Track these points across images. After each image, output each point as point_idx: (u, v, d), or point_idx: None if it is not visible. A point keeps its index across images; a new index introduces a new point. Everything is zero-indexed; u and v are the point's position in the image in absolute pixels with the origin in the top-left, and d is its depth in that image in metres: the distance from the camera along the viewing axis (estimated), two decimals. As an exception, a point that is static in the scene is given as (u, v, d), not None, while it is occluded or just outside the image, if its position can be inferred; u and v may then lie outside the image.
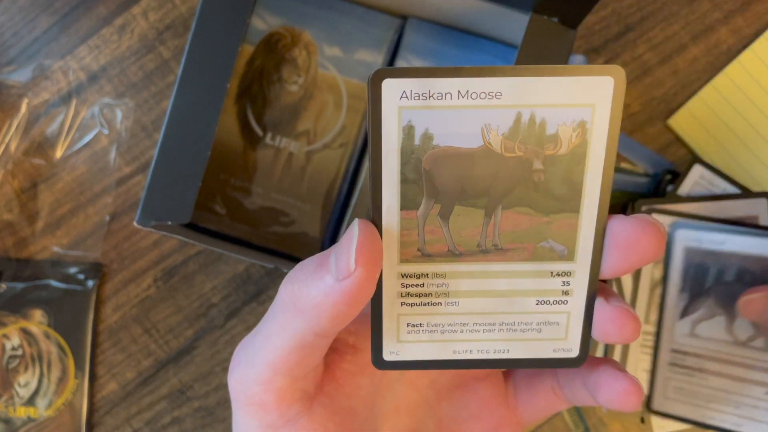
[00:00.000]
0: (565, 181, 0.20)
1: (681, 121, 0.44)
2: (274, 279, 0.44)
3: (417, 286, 0.21)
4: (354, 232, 0.19)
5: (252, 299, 0.44)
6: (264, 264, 0.38)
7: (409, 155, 0.20)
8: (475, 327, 0.22)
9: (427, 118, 0.20)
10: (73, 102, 0.44)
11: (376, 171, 0.20)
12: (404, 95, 0.19)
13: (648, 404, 0.42)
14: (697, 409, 0.40)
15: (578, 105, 0.20)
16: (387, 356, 0.22)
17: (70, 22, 0.44)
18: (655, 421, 0.42)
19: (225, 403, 0.44)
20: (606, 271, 0.21)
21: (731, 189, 0.42)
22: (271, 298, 0.44)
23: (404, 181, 0.20)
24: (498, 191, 0.20)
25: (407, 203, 0.20)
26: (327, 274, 0.19)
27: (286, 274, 0.43)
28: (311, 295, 0.19)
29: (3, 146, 0.43)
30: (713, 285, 0.40)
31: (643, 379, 0.41)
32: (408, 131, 0.20)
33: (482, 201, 0.21)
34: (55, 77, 0.44)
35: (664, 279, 0.41)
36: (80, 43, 0.44)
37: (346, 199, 0.41)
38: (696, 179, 0.42)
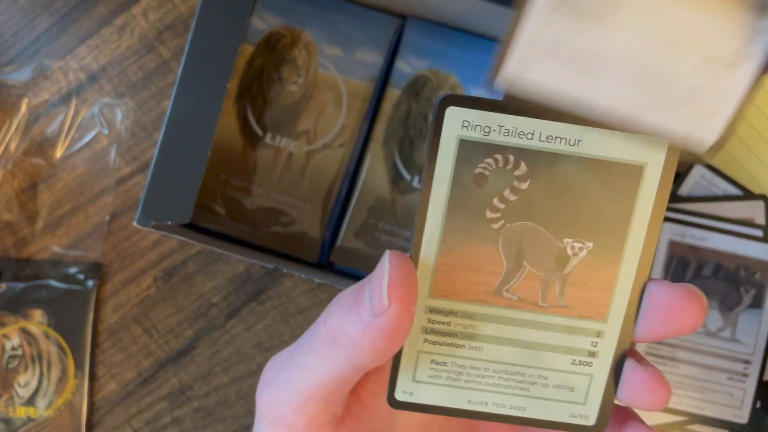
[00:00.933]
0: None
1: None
2: (275, 279, 0.44)
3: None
4: (385, 266, 0.19)
5: (252, 299, 0.44)
6: (264, 264, 0.38)
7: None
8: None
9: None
10: (73, 102, 0.44)
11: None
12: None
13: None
14: None
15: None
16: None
17: (70, 22, 0.44)
18: None
19: (225, 403, 0.44)
20: (640, 335, 0.20)
21: (732, 189, 0.42)
22: (271, 298, 0.44)
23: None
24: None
25: None
26: (363, 310, 0.19)
27: (286, 274, 0.43)
28: (349, 333, 0.19)
29: (3, 146, 0.43)
30: (691, 279, 0.42)
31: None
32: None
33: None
34: (55, 77, 0.44)
35: None
36: (80, 43, 0.44)
37: (346, 199, 0.41)
38: (697, 179, 0.42)
